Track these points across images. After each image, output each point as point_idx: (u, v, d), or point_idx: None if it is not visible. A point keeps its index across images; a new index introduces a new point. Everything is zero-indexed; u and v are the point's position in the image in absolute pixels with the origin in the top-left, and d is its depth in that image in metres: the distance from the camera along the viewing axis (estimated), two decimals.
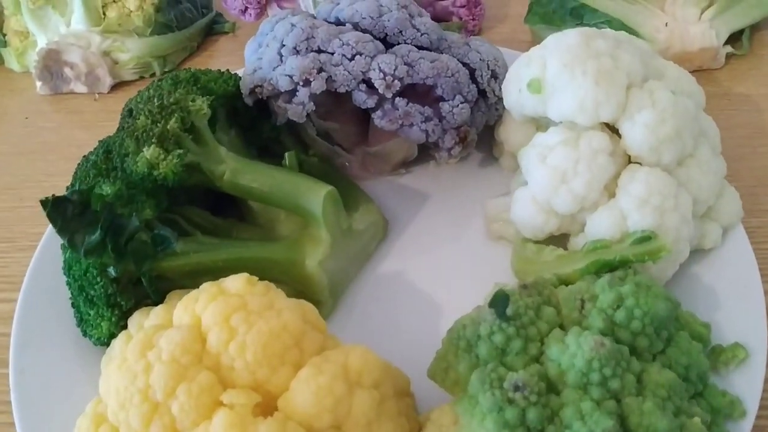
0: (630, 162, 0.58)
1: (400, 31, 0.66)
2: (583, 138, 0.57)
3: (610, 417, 0.44)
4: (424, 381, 0.52)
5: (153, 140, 0.58)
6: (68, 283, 0.57)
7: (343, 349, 0.50)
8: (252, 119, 0.69)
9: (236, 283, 0.51)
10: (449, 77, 0.64)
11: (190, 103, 0.61)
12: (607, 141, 0.57)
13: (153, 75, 0.90)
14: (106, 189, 0.57)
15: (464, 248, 0.66)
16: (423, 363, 0.52)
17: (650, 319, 0.48)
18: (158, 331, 0.50)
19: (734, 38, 0.85)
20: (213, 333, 0.48)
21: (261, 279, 0.53)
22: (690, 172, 0.58)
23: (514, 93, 0.62)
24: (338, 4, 0.70)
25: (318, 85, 0.62)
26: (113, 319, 0.55)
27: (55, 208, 0.53)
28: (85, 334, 0.57)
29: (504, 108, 0.66)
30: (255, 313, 0.48)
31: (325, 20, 0.69)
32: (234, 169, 0.61)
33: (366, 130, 0.70)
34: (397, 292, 0.64)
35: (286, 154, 0.64)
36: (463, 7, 0.89)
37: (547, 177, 0.57)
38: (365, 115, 0.67)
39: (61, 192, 0.57)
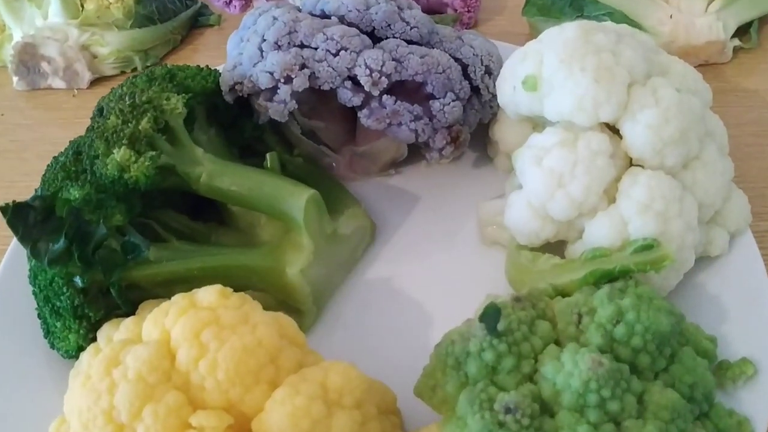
0: (631, 165, 0.55)
1: (389, 25, 0.63)
2: (581, 139, 0.54)
3: None
4: (412, 396, 0.49)
5: (124, 141, 0.55)
6: (34, 293, 0.55)
7: (323, 366, 0.47)
8: (233, 117, 0.66)
9: (208, 295, 0.48)
10: (440, 74, 0.61)
11: (165, 101, 0.58)
12: (607, 142, 0.54)
13: (134, 70, 0.87)
14: (74, 193, 0.54)
15: (456, 254, 0.64)
16: (411, 377, 0.49)
17: (652, 335, 0.45)
18: (126, 346, 0.47)
19: (742, 31, 0.82)
20: (183, 349, 0.45)
21: (240, 287, 0.51)
22: (695, 175, 0.55)
23: (509, 90, 0.60)
24: None
25: (300, 83, 0.59)
26: (81, 331, 0.52)
27: (16, 214, 0.50)
28: (52, 346, 0.54)
29: (498, 106, 0.63)
30: (228, 328, 0.46)
31: (310, 13, 0.65)
32: (211, 171, 0.58)
33: (353, 128, 0.67)
34: (385, 301, 0.61)
35: (268, 155, 0.61)
36: None
37: (543, 180, 0.54)
38: (352, 113, 0.63)
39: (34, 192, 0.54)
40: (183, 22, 0.91)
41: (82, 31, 0.83)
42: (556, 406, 0.43)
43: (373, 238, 0.65)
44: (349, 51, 0.60)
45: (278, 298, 0.57)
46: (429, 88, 0.61)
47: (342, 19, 0.63)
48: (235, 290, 0.50)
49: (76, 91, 0.86)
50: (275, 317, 0.48)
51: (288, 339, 0.48)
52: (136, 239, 0.53)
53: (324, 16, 0.65)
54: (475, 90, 0.65)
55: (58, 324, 0.53)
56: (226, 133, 0.66)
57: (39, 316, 0.55)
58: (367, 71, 0.59)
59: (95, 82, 0.87)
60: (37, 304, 0.54)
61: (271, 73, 0.60)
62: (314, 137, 0.67)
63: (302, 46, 0.61)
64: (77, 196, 0.54)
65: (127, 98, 0.57)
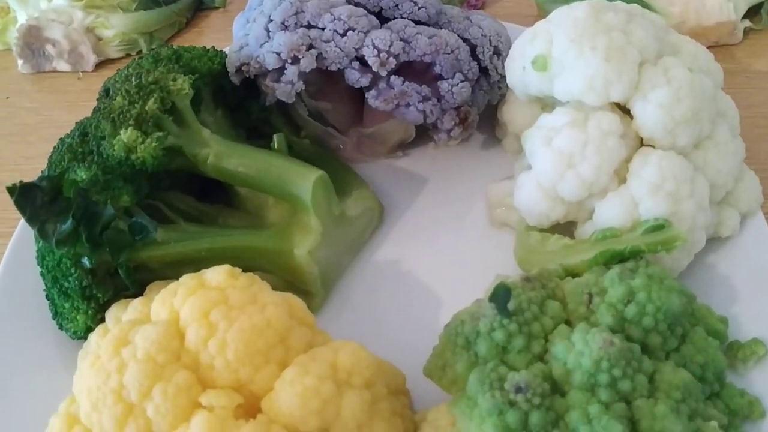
0: (642, 145, 0.55)
1: (396, 5, 0.63)
2: (591, 119, 0.54)
3: (620, 421, 0.41)
4: (421, 376, 0.49)
5: (130, 122, 0.55)
6: (42, 274, 0.55)
7: (333, 346, 0.47)
8: (240, 99, 0.66)
9: (217, 275, 0.48)
10: (448, 54, 0.61)
11: (171, 82, 0.57)
12: (618, 122, 0.54)
13: (140, 52, 0.87)
14: (81, 174, 0.54)
15: (465, 235, 0.64)
16: (420, 358, 0.50)
17: (663, 315, 0.45)
18: (135, 326, 0.47)
19: (753, 12, 0.82)
20: (192, 329, 0.45)
21: (248, 269, 0.51)
22: (707, 155, 0.55)
23: (518, 71, 0.59)
24: None
25: (307, 63, 0.59)
26: (89, 312, 0.53)
27: (23, 195, 0.50)
28: (61, 327, 0.55)
29: (507, 87, 0.63)
30: (237, 308, 0.46)
31: None
32: (218, 152, 0.58)
33: (361, 110, 0.67)
34: (393, 283, 0.62)
35: (275, 136, 0.61)
36: None
37: (552, 161, 0.54)
38: (360, 94, 0.63)
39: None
40: (188, 4, 0.91)
41: (87, 13, 0.84)
42: (566, 386, 0.43)
43: (381, 220, 0.65)
44: (356, 31, 0.60)
45: (286, 279, 0.57)
46: (437, 69, 0.61)
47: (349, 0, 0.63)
48: (244, 272, 0.50)
49: (81, 73, 0.87)
50: (284, 297, 0.48)
51: (297, 319, 0.48)
52: (143, 220, 0.53)
53: None
54: (484, 71, 0.65)
55: (66, 305, 0.53)
56: (233, 114, 0.66)
57: (47, 297, 0.55)
58: (375, 52, 0.59)
59: (100, 64, 0.87)
60: (45, 285, 0.54)
61: (278, 54, 0.60)
62: (321, 119, 0.68)
63: (309, 26, 0.61)
64: (84, 177, 0.54)
65: (133, 79, 0.57)
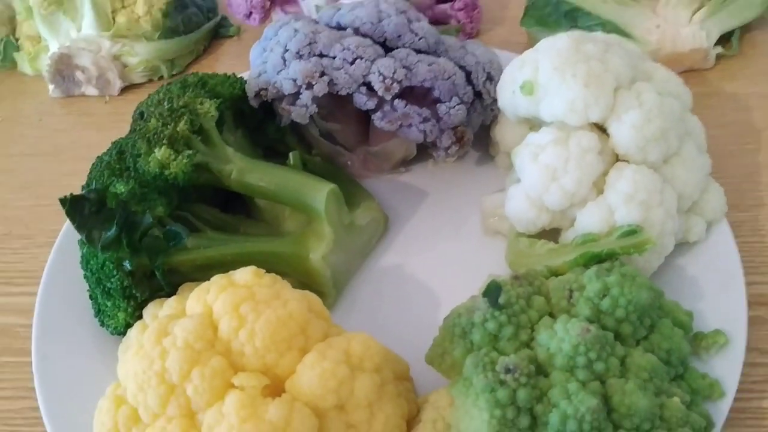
0: (618, 160, 0.60)
1: (399, 36, 0.69)
2: (573, 137, 0.60)
3: (595, 396, 0.47)
4: (423, 367, 0.55)
5: (164, 141, 0.61)
6: (86, 277, 0.61)
7: (346, 336, 0.53)
8: (258, 121, 0.72)
9: (245, 275, 0.54)
10: (446, 80, 0.67)
11: (199, 105, 0.64)
12: (596, 140, 0.59)
13: (161, 78, 0.93)
14: (120, 188, 0.60)
15: (461, 243, 0.69)
16: (421, 350, 0.55)
17: (633, 307, 0.51)
18: (172, 320, 0.53)
19: (724, 39, 0.86)
20: (224, 321, 0.51)
21: (267, 272, 0.56)
22: (675, 169, 0.60)
23: (508, 94, 0.65)
24: (339, 9, 0.73)
25: (320, 88, 0.65)
26: (129, 309, 0.58)
27: (73, 205, 0.56)
28: (102, 324, 0.60)
29: (499, 108, 0.69)
30: (263, 303, 0.52)
31: (327, 25, 0.72)
32: (241, 168, 0.64)
33: (367, 130, 0.73)
34: (397, 285, 0.67)
35: (291, 154, 0.67)
36: (461, 10, 0.92)
37: (539, 174, 0.60)
38: (366, 116, 0.70)
39: (75, 190, 0.60)
40: (205, 33, 0.97)
41: (114, 42, 0.90)
42: (549, 368, 0.49)
43: (386, 229, 0.71)
44: (364, 60, 0.66)
45: (302, 281, 0.62)
46: (436, 93, 0.67)
47: (357, 31, 0.69)
48: None
49: (107, 97, 0.92)
50: (303, 294, 0.55)
51: (315, 313, 0.54)
52: (176, 228, 0.59)
53: (340, 28, 0.71)
54: (478, 94, 0.71)
55: (109, 303, 0.59)
56: (252, 134, 0.72)
57: (90, 297, 0.61)
58: (381, 78, 0.65)
59: (125, 89, 0.93)
60: (89, 286, 0.60)
61: (294, 80, 0.66)
62: (331, 138, 0.74)
63: (321, 55, 0.67)
64: (123, 190, 0.60)
65: (165, 103, 0.64)
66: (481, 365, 0.49)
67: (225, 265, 0.58)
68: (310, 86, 0.66)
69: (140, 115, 0.65)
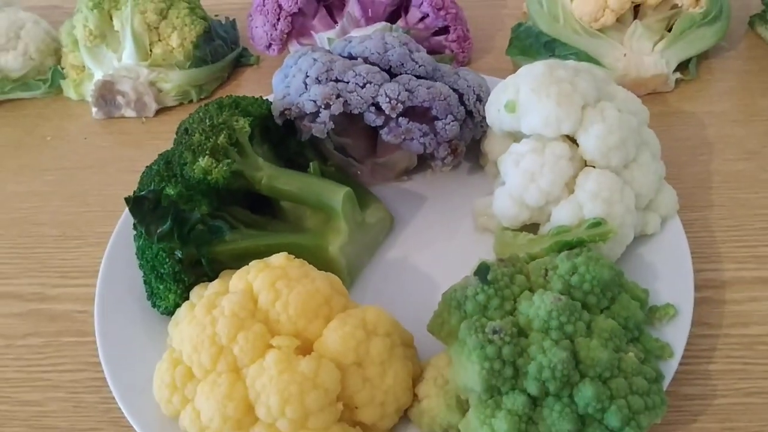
0: (585, 165, 0.69)
1: (402, 64, 0.77)
2: (548, 147, 0.69)
3: (565, 351, 0.56)
4: (425, 339, 0.65)
5: (206, 152, 0.71)
6: (141, 265, 0.71)
7: (362, 308, 0.63)
8: (281, 137, 0.82)
9: (278, 259, 0.65)
10: (442, 100, 0.75)
11: (235, 122, 0.75)
12: (567, 149, 0.68)
13: (191, 101, 1.02)
14: (170, 191, 0.71)
15: (456, 239, 0.78)
16: (423, 326, 0.64)
17: (597, 282, 0.61)
18: (218, 296, 0.64)
19: (683, 66, 0.95)
20: (262, 295, 0.61)
21: None
22: (633, 173, 0.70)
23: (495, 113, 0.74)
24: (350, 42, 0.84)
25: (336, 108, 0.75)
26: (178, 291, 0.68)
27: (135, 204, 0.67)
28: (154, 305, 0.70)
29: (487, 125, 0.77)
30: (294, 280, 0.62)
31: (340, 55, 0.82)
32: (270, 175, 0.75)
33: (374, 144, 0.81)
34: (402, 274, 0.75)
35: (311, 164, 0.77)
36: (455, 41, 1.02)
37: (520, 178, 0.69)
38: (374, 131, 0.78)
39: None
40: (229, 62, 1.07)
41: (151, 70, 0.99)
42: (528, 330, 0.59)
43: (392, 227, 0.79)
44: (373, 84, 0.74)
45: (321, 270, 0.73)
46: (434, 112, 0.75)
47: (366, 60, 0.79)
48: None
49: (144, 119, 1.01)
50: (327, 275, 0.65)
51: (336, 290, 0.64)
52: (219, 223, 0.70)
53: (351, 57, 0.81)
54: (469, 113, 0.78)
55: (161, 287, 0.69)
56: (275, 149, 0.82)
57: (144, 282, 0.70)
58: (387, 99, 0.73)
59: (159, 111, 1.01)
60: (144, 273, 0.70)
61: (314, 101, 0.75)
62: (343, 151, 0.81)
63: (337, 80, 0.76)
64: (173, 192, 0.71)
65: (206, 120, 0.75)
66: (473, 329, 0.59)
67: (258, 255, 0.67)
68: (328, 106, 0.75)
69: (185, 131, 0.76)
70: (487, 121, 0.77)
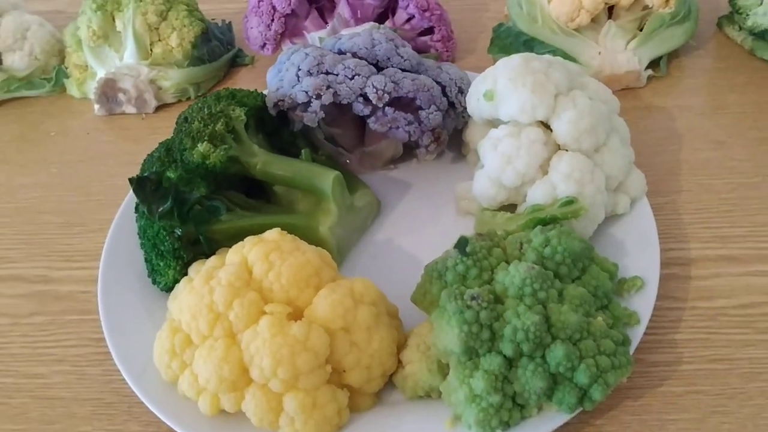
0: (558, 149, 0.73)
1: (388, 58, 0.82)
2: (524, 132, 0.73)
3: (537, 315, 0.61)
4: (408, 311, 0.69)
5: (205, 138, 0.76)
6: (142, 244, 0.76)
7: (350, 279, 0.67)
8: (274, 128, 0.87)
9: (272, 234, 0.69)
10: (426, 92, 0.79)
11: (231, 111, 0.80)
12: (542, 134, 0.72)
13: (189, 98, 1.06)
14: (171, 174, 0.76)
15: (439, 222, 0.82)
16: (407, 304, 0.67)
17: (569, 253, 0.65)
18: (215, 269, 0.68)
19: (654, 63, 0.99)
20: (257, 266, 0.65)
21: None
22: (603, 156, 0.74)
23: (475, 102, 0.79)
24: (340, 39, 0.89)
25: (327, 98, 0.80)
26: (177, 267, 0.72)
27: (138, 184, 0.72)
28: (154, 281, 0.74)
29: (469, 116, 0.81)
30: (287, 252, 0.66)
31: (330, 51, 0.88)
32: (265, 161, 0.79)
33: (363, 134, 0.85)
34: (388, 255, 0.79)
35: (303, 150, 0.82)
36: (439, 41, 1.07)
37: (498, 160, 0.73)
38: (362, 122, 0.82)
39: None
40: (225, 62, 1.11)
41: (151, 69, 1.03)
42: (504, 297, 0.63)
43: (379, 211, 0.83)
44: (361, 76, 0.78)
45: None
46: (418, 102, 0.79)
47: (355, 55, 0.84)
48: None
49: (144, 115, 1.04)
50: (317, 249, 0.69)
51: (326, 263, 0.68)
52: (216, 203, 0.74)
53: (341, 53, 0.86)
54: (451, 104, 0.83)
55: (161, 263, 0.73)
56: (269, 139, 0.87)
57: (145, 260, 0.75)
58: (374, 90, 0.77)
59: (158, 108, 1.05)
60: (145, 250, 0.74)
61: (306, 92, 0.80)
62: (333, 141, 0.85)
63: (328, 73, 0.80)
64: (173, 176, 0.75)
65: (205, 109, 0.80)
66: (453, 296, 0.62)
67: (253, 234, 0.70)
68: (319, 97, 0.80)
69: (185, 119, 0.81)
70: (468, 110, 0.81)
